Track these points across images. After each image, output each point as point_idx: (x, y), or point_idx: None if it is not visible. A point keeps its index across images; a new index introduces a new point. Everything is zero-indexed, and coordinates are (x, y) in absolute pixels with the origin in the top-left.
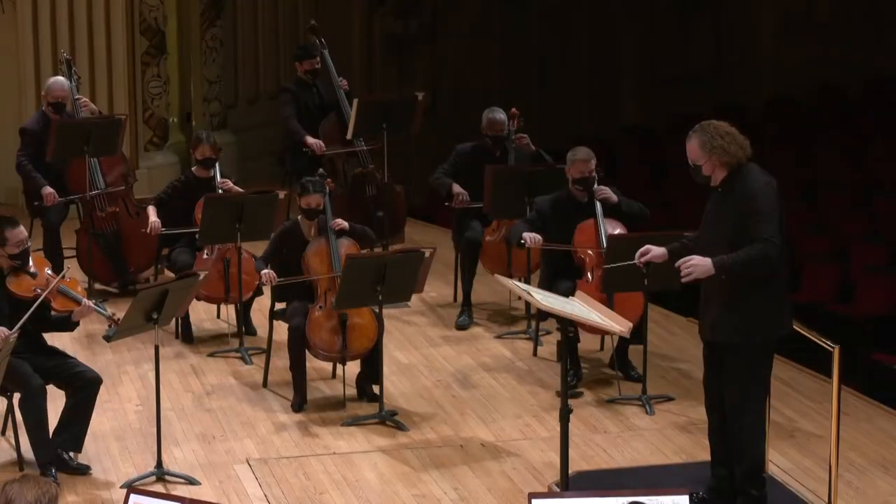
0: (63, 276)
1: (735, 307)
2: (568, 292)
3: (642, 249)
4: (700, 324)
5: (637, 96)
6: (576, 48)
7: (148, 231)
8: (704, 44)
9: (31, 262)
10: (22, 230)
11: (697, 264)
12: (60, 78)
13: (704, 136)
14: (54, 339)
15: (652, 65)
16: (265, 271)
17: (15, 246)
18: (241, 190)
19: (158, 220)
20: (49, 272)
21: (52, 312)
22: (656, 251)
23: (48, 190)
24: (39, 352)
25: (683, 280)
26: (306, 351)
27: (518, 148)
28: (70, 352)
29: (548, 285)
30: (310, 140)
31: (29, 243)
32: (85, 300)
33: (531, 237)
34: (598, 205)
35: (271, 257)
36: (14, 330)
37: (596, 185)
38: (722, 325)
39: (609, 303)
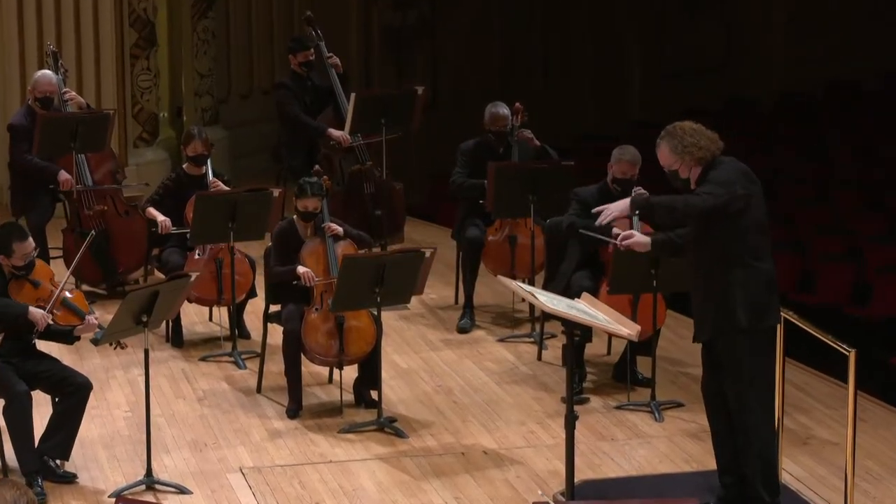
0: (64, 287)
1: (712, 297)
2: (590, 291)
3: (626, 233)
4: (693, 325)
5: (643, 91)
6: (580, 41)
7: (160, 231)
8: (713, 36)
9: (34, 271)
10: (30, 242)
11: (615, 205)
12: (48, 72)
13: (673, 140)
14: (41, 343)
15: (659, 58)
16: (304, 269)
17: (20, 258)
18: (228, 189)
19: (167, 218)
20: (53, 282)
21: (53, 323)
22: (640, 239)
23: (65, 175)
24: (27, 356)
25: (602, 221)
26: (302, 355)
27: (522, 144)
28: (56, 355)
29: (567, 279)
30: (335, 133)
31: (35, 254)
32: (88, 316)
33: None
34: None
35: (284, 259)
36: (46, 311)
37: (636, 187)
38: (706, 318)
39: (633, 311)
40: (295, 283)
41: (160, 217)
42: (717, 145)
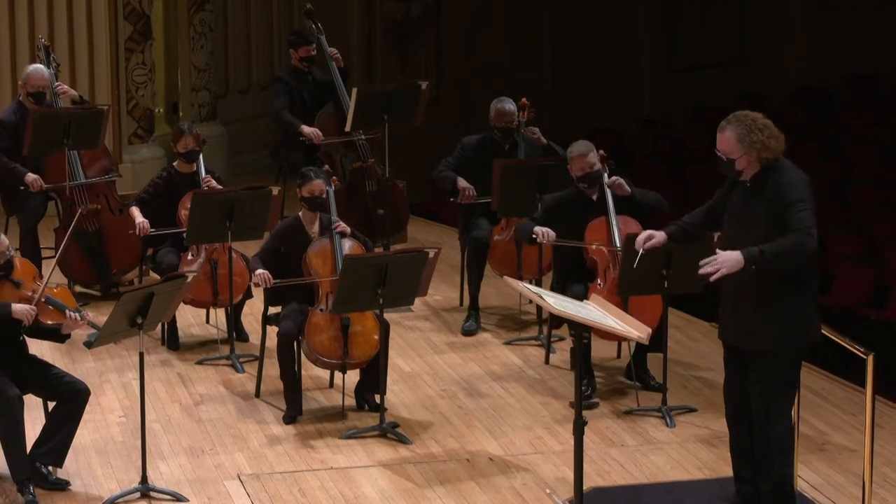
0: (48, 284)
1: (773, 312)
2: (579, 296)
3: (644, 235)
4: (723, 328)
5: (654, 86)
6: (589, 34)
7: (136, 233)
8: (726, 29)
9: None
10: (2, 240)
11: (726, 259)
12: (40, 66)
13: (741, 129)
14: (33, 347)
15: (670, 52)
16: (260, 271)
17: None
18: (221, 187)
19: (146, 220)
20: (36, 280)
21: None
22: (659, 236)
23: (32, 176)
24: (19, 360)
25: (712, 279)
26: (302, 358)
27: (528, 142)
28: (48, 359)
29: (558, 290)
30: (306, 129)
31: (11, 252)
32: (70, 312)
33: (543, 231)
34: (611, 202)
35: (269, 256)
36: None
37: (608, 178)
38: (758, 331)
39: (623, 306)
40: (255, 283)
41: (139, 218)
42: (781, 147)
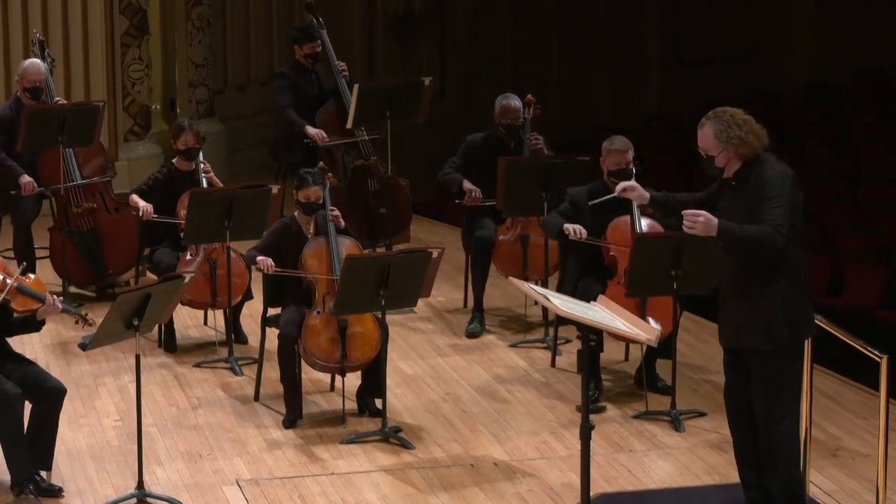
0: (21, 274)
1: (759, 306)
2: (598, 295)
3: (624, 184)
4: (719, 330)
5: (662, 82)
6: (596, 29)
7: (141, 216)
8: (734, 24)
9: None
10: None
11: (705, 221)
12: (37, 60)
13: (720, 125)
14: (25, 348)
15: (678, 47)
16: (261, 258)
17: None
18: (220, 183)
19: (149, 204)
20: (6, 271)
21: (15, 314)
22: (639, 191)
23: (26, 178)
24: (6, 359)
25: (685, 230)
26: (301, 362)
27: (533, 151)
28: (43, 361)
29: (573, 287)
30: (311, 130)
31: None
32: (48, 297)
33: (575, 228)
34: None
35: (265, 251)
36: None
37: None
38: (745, 328)
39: (641, 308)
40: (255, 266)
41: (141, 203)
42: (762, 142)
